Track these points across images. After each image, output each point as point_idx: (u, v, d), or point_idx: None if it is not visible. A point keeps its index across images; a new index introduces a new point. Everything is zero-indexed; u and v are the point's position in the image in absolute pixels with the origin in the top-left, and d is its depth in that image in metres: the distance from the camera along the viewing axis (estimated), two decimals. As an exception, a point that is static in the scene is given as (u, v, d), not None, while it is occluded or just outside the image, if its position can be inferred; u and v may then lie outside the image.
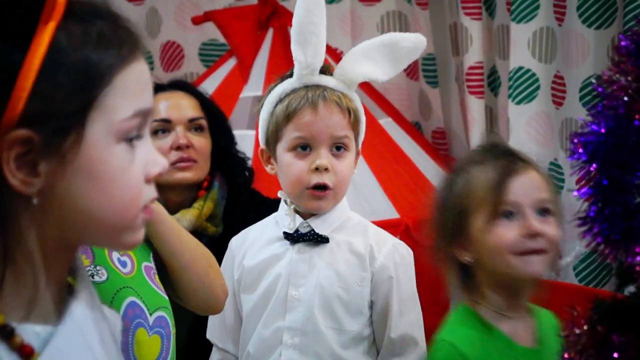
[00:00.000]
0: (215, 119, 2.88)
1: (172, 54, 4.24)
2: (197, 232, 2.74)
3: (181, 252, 1.93)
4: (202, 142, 2.80)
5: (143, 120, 1.07)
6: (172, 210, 2.78)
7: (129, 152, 1.05)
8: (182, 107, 2.81)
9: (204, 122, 2.83)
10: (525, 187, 1.93)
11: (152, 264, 1.92)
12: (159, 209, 1.91)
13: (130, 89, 1.05)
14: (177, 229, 1.96)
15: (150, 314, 1.84)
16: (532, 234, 1.90)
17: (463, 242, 1.94)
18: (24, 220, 1.01)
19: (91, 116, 1.01)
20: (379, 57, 2.20)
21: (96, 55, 1.02)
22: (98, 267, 1.79)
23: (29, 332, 1.02)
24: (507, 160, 1.95)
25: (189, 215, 2.74)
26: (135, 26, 1.08)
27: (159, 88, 2.84)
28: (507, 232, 1.90)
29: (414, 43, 2.22)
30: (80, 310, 1.09)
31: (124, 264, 1.86)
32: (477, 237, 1.92)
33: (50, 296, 1.06)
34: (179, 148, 2.75)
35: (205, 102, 2.88)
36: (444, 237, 1.96)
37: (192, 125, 2.80)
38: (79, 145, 1.01)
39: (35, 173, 1.00)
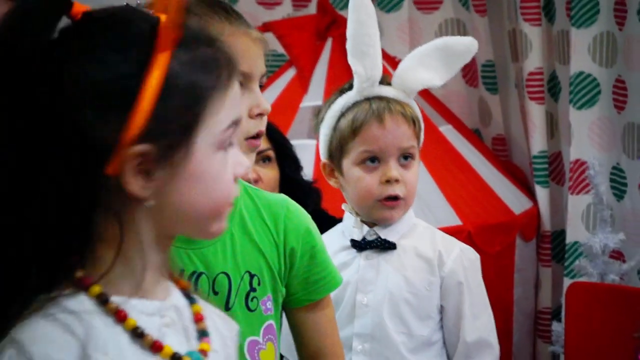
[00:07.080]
0: (281, 149, 2.85)
1: (231, 66, 4.27)
2: None
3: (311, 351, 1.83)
4: (270, 174, 2.78)
5: (235, 128, 1.20)
6: None
7: (224, 157, 1.19)
8: None
9: (271, 153, 2.80)
10: None
11: (260, 339, 1.77)
12: (333, 314, 1.86)
13: (228, 104, 1.18)
14: (331, 327, 1.87)
15: None
16: None
17: None
18: (138, 219, 1.16)
19: (197, 131, 1.15)
20: (434, 62, 2.20)
21: (201, 78, 1.15)
22: None
23: (129, 306, 1.16)
24: None
25: None
26: (231, 49, 1.21)
27: None
28: None
29: (466, 46, 2.22)
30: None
31: None
32: None
33: (151, 280, 1.21)
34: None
35: (271, 132, 2.79)
36: None
37: (260, 157, 2.76)
38: (187, 155, 1.14)
39: (150, 179, 1.14)
